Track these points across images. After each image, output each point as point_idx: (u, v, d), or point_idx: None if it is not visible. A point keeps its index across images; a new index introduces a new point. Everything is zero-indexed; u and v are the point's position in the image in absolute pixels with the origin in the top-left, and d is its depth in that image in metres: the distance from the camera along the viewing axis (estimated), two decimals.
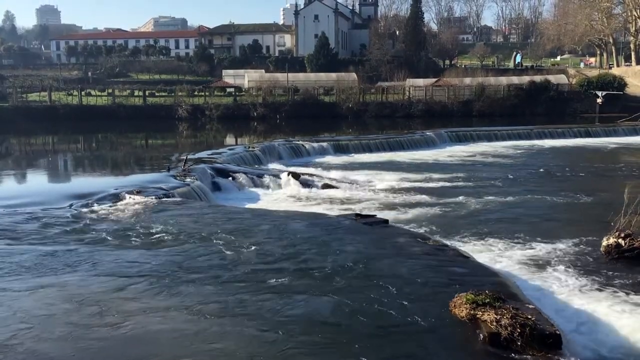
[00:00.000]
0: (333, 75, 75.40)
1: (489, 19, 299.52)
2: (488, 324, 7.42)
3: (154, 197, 16.51)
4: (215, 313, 8.17)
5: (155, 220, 13.77)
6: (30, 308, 8.38)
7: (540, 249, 13.37)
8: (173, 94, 63.48)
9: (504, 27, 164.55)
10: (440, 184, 23.28)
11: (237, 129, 53.16)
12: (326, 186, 21.74)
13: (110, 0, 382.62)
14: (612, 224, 12.91)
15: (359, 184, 22.57)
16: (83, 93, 62.35)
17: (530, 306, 8.27)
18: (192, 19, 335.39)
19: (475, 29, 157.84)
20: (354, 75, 74.31)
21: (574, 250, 13.26)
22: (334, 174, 24.46)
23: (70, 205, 15.43)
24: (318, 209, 17.68)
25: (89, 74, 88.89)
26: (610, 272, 11.59)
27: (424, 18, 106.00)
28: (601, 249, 12.75)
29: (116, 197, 16.37)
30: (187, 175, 20.63)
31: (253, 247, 11.33)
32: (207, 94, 63.91)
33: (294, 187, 21.51)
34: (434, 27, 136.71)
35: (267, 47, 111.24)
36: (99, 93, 63.17)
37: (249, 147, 30.62)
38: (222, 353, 7.09)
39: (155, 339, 7.43)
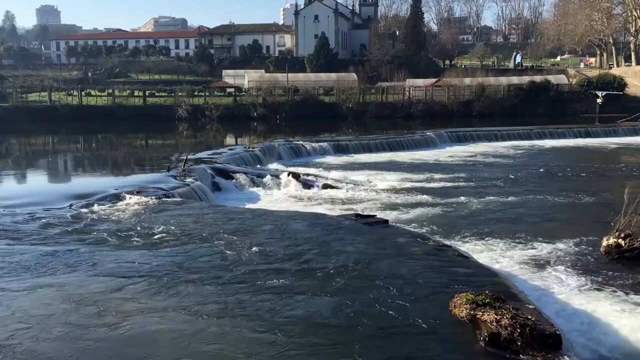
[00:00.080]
0: (333, 75, 75.45)
1: (489, 19, 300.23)
2: (488, 324, 7.41)
3: (154, 197, 16.50)
4: (215, 314, 8.16)
5: (155, 220, 13.76)
6: (28, 308, 8.37)
7: (541, 249, 13.36)
8: (173, 94, 63.51)
9: (504, 28, 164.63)
10: (441, 184, 23.28)
11: (237, 129, 53.17)
12: (326, 186, 21.73)
13: (110, 0, 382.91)
14: (612, 224, 12.91)
15: (360, 184, 22.57)
16: (83, 93, 62.43)
17: (530, 306, 8.26)
18: (192, 19, 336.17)
19: (475, 29, 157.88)
20: (354, 76, 74.34)
21: (574, 250, 13.26)
22: (334, 174, 24.45)
23: (70, 206, 15.42)
24: (318, 209, 17.67)
25: (89, 74, 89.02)
26: (610, 272, 11.59)
27: (424, 18, 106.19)
28: (601, 249, 12.74)
29: (116, 197, 16.36)
30: (187, 175, 20.62)
31: (253, 247, 11.32)
32: (207, 94, 63.94)
33: (294, 187, 21.50)
34: (434, 27, 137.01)
35: (267, 47, 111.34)
36: (99, 93, 63.25)
37: (249, 148, 30.61)
38: (222, 354, 7.08)
39: (154, 339, 7.42)
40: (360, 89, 65.65)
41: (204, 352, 7.09)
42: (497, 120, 56.40)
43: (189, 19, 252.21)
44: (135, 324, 7.80)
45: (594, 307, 9.58)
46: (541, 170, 27.63)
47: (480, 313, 7.62)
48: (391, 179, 23.97)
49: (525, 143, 39.52)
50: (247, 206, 17.94)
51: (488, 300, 7.87)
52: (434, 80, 72.80)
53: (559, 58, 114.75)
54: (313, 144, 33.36)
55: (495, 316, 7.44)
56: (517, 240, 14.08)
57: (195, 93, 63.70)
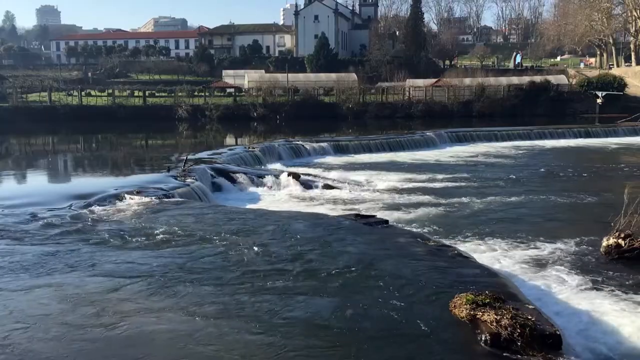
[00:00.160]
0: (333, 75, 75.45)
1: (489, 20, 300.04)
2: (488, 325, 7.40)
3: (153, 197, 16.48)
4: (214, 314, 8.14)
5: (155, 220, 13.74)
6: (26, 308, 8.35)
7: (541, 249, 13.36)
8: (173, 95, 63.53)
9: (504, 28, 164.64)
10: (442, 184, 23.27)
11: (237, 129, 53.18)
12: (326, 186, 21.72)
13: (110, 0, 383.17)
14: (612, 224, 12.90)
15: (360, 184, 22.56)
16: (83, 93, 62.44)
17: (530, 306, 8.25)
18: (192, 19, 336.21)
19: (475, 30, 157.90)
20: (354, 76, 74.34)
21: (575, 250, 13.25)
22: (335, 175, 24.45)
23: (70, 206, 15.39)
24: (318, 209, 17.65)
25: (89, 74, 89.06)
26: (610, 272, 11.58)
27: (424, 18, 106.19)
28: (601, 249, 12.74)
29: (116, 198, 16.32)
30: (187, 175, 20.60)
31: (252, 248, 11.30)
32: (207, 94, 63.95)
33: (294, 187, 21.48)
34: (434, 27, 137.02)
35: (267, 48, 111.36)
36: (99, 93, 63.27)
37: (249, 148, 30.61)
38: (219, 355, 7.05)
39: (151, 340, 7.39)
40: (360, 89, 65.66)
41: (201, 352, 7.07)
42: (497, 120, 56.39)
43: (189, 19, 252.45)
44: (133, 324, 7.78)
45: (594, 307, 9.57)
46: (542, 170, 27.63)
47: (480, 313, 7.61)
48: (392, 179, 23.95)
49: (526, 143, 39.53)
50: (247, 206, 17.91)
51: (488, 300, 7.86)
52: (434, 80, 72.81)
53: (559, 58, 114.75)
54: (313, 144, 33.35)
55: (495, 316, 7.43)
56: (518, 240, 14.08)
57: (195, 93, 63.70)
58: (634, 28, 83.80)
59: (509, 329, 7.22)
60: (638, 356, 8.13)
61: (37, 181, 25.33)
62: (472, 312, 7.70)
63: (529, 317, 7.50)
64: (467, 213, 17.64)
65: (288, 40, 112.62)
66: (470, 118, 59.69)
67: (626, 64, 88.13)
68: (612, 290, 10.55)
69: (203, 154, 27.86)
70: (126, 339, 7.38)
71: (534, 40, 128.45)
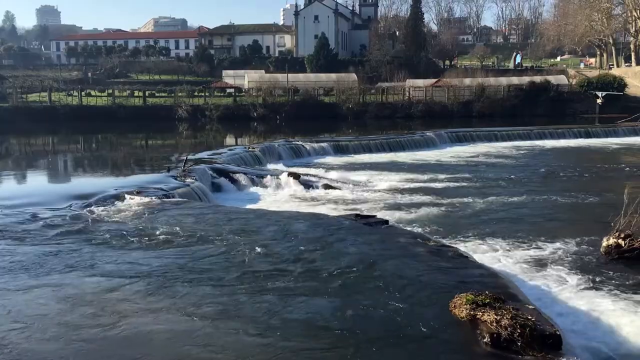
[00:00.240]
0: (333, 75, 75.46)
1: (489, 20, 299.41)
2: (488, 325, 7.39)
3: (154, 197, 16.47)
4: (214, 315, 8.12)
5: (155, 220, 13.74)
6: (24, 308, 8.35)
7: (541, 249, 13.36)
8: (173, 95, 63.54)
9: (504, 28, 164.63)
10: (442, 184, 23.26)
11: (237, 129, 53.19)
12: (327, 186, 21.71)
13: (110, 0, 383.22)
14: (612, 224, 12.90)
15: (360, 185, 22.56)
16: (83, 93, 62.46)
17: (530, 306, 8.24)
18: (192, 19, 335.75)
19: (475, 30, 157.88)
20: (354, 76, 74.36)
21: (575, 250, 13.25)
22: (335, 175, 24.44)
23: (70, 206, 15.38)
24: (319, 209, 17.64)
25: (89, 74, 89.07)
26: (610, 272, 11.58)
27: (423, 19, 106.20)
28: (601, 249, 12.74)
29: (116, 198, 16.31)
30: (187, 175, 20.60)
31: (252, 248, 11.30)
32: (207, 94, 63.96)
33: (294, 187, 21.47)
34: (434, 27, 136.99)
35: (267, 48, 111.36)
36: (99, 93, 63.30)
37: (249, 148, 30.61)
38: (217, 356, 7.04)
39: (149, 340, 7.38)
40: (360, 90, 65.66)
41: (200, 353, 7.06)
42: (497, 120, 56.39)
43: (189, 20, 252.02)
44: (132, 324, 7.78)
45: (594, 307, 9.57)
46: (542, 170, 27.64)
47: (480, 313, 7.60)
48: (392, 179, 23.96)
49: (526, 143, 39.55)
50: (246, 206, 17.90)
51: (488, 300, 7.86)
52: (434, 80, 72.82)
53: (558, 58, 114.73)
54: (313, 144, 33.35)
55: (495, 316, 7.43)
56: (518, 240, 14.08)
57: (195, 93, 63.72)
58: (634, 28, 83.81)
59: (509, 329, 7.22)
60: (638, 356, 8.13)
61: (37, 181, 25.33)
62: (472, 312, 7.70)
63: (529, 317, 7.49)
64: (467, 213, 17.63)
65: (288, 41, 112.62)
66: (470, 118, 59.69)
67: (626, 64, 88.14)
68: (612, 290, 10.55)
69: (203, 154, 27.86)
70: (125, 339, 7.37)
71: (534, 40, 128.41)
